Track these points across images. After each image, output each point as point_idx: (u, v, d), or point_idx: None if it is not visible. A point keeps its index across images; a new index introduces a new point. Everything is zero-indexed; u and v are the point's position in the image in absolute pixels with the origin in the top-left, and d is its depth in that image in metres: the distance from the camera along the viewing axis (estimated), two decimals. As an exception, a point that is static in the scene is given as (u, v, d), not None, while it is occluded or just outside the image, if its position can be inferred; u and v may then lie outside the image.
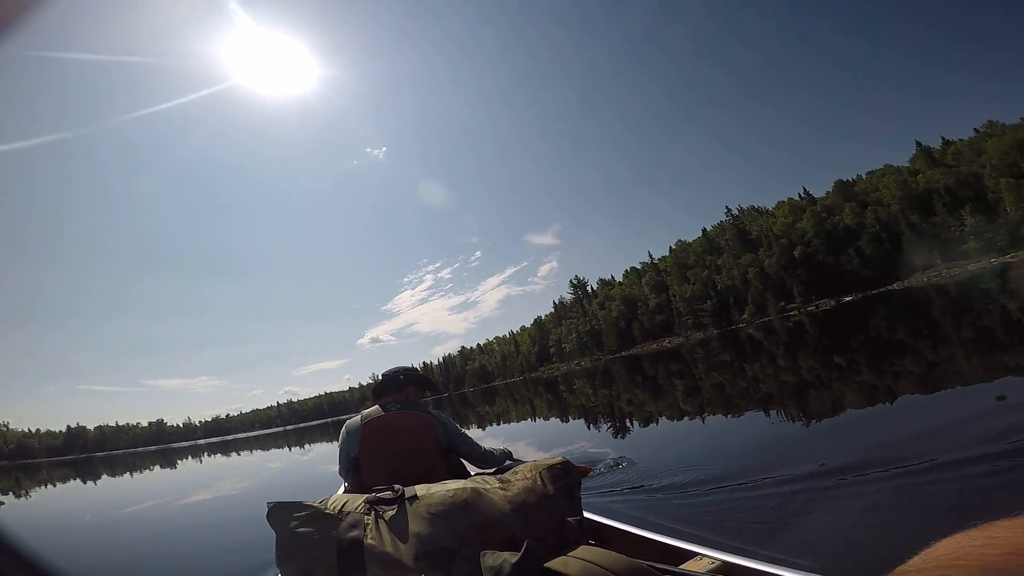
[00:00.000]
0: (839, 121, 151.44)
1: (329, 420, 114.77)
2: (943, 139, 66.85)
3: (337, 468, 2.43)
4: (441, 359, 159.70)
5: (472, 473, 2.28)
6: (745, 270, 72.41)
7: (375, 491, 1.34)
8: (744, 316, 69.99)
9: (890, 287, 53.22)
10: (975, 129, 64.82)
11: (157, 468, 26.41)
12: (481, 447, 2.45)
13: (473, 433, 10.62)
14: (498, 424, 14.83)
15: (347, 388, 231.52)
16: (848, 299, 53.47)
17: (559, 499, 1.46)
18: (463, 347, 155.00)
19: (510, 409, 19.85)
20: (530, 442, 9.44)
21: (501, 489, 1.39)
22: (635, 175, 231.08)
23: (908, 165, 67.78)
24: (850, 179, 74.12)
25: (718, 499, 3.39)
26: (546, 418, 13.67)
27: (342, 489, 2.48)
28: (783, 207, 78.76)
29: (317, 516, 1.26)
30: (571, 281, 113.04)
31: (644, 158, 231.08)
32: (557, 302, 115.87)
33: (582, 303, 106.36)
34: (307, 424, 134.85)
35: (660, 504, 3.56)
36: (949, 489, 2.66)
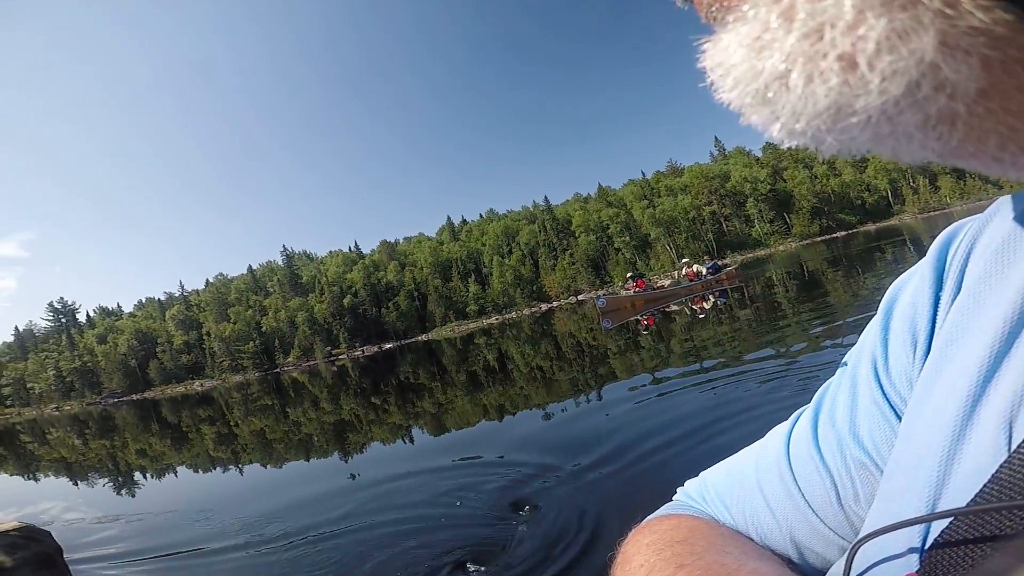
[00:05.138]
0: (392, 186, 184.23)
1: None
2: (463, 218, 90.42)
3: None
4: None
5: None
6: (294, 313, 74.06)
7: None
8: (289, 359, 70.86)
9: (418, 338, 65.43)
10: (480, 214, 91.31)
11: None
12: None
13: None
14: None
15: None
16: (388, 347, 62.33)
17: (25, 572, 1.25)
18: None
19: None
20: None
21: None
22: (171, 193, 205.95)
23: (435, 236, 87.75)
24: (392, 240, 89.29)
25: (258, 559, 3.32)
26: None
27: None
28: (335, 256, 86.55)
29: None
30: (51, 304, 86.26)
31: (183, 180, 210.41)
32: (22, 329, 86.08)
33: (69, 332, 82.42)
34: None
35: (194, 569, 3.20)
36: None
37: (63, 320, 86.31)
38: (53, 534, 1.48)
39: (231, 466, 7.28)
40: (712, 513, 0.50)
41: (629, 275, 23.21)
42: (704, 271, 21.11)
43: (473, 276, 75.74)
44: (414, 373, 16.58)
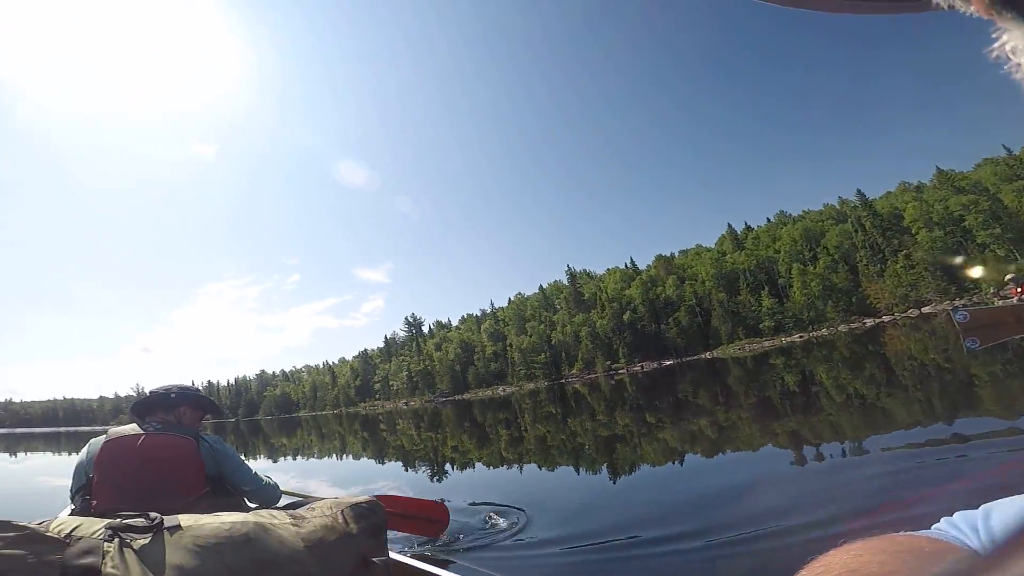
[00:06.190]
0: (661, 200, 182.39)
1: (62, 430, 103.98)
2: (745, 224, 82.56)
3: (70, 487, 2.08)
4: (232, 381, 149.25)
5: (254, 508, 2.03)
6: (579, 328, 78.71)
7: (121, 516, 1.17)
8: (573, 371, 75.45)
9: (701, 356, 61.95)
10: (767, 218, 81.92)
11: None
12: (263, 480, 2.28)
13: (261, 465, 9.43)
14: (294, 459, 13.54)
15: (96, 396, 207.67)
16: (668, 363, 60.83)
17: (362, 539, 1.45)
18: (263, 371, 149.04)
19: (313, 443, 18.29)
20: (331, 480, 8.85)
21: (293, 525, 1.34)
22: (482, 228, 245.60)
23: (715, 247, 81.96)
24: (668, 254, 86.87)
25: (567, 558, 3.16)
26: (357, 456, 12.79)
27: (67, 512, 2.20)
28: (613, 274, 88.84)
29: (31, 538, 1.03)
30: (406, 318, 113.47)
31: (489, 214, 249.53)
32: (389, 337, 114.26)
33: (417, 341, 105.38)
34: (28, 430, 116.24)
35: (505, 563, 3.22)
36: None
37: (413, 331, 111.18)
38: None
39: (515, 464, 7.65)
40: (967, 540, 0.44)
41: (1009, 277, 16.52)
42: None
43: (766, 288, 67.86)
44: (694, 392, 15.31)
